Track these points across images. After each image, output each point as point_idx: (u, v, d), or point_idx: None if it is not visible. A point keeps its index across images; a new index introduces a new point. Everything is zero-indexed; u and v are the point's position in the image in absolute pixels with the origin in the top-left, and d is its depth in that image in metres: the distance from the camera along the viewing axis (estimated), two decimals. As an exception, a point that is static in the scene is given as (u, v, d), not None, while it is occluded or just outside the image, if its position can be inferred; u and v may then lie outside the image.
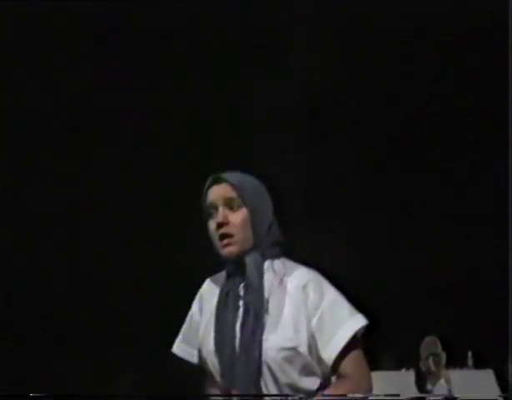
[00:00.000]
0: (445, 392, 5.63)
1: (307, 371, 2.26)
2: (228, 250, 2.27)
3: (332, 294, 2.27)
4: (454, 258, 6.96)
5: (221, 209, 2.29)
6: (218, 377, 2.31)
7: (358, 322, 2.26)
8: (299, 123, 7.81)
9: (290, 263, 2.35)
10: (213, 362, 2.30)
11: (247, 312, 2.26)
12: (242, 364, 2.24)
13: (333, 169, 7.68)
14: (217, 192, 2.30)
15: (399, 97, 7.54)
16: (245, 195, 2.29)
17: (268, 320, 2.26)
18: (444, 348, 5.75)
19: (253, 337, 2.24)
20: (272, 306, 2.27)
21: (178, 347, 2.48)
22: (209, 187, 2.32)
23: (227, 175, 2.32)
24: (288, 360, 2.23)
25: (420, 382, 5.78)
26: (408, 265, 7.72)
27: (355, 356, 2.28)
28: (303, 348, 2.23)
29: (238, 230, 2.27)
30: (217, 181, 2.32)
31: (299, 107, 7.73)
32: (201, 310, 2.42)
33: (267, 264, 2.31)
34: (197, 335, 2.40)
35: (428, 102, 7.52)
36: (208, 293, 2.40)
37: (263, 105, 7.73)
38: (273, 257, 2.33)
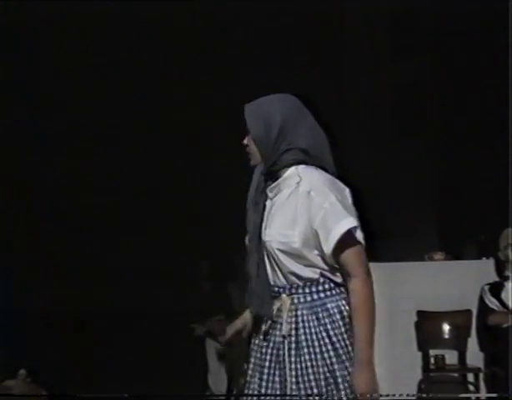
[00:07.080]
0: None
1: (306, 263, 2.71)
2: (251, 162, 2.87)
3: (333, 199, 2.68)
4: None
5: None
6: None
7: (350, 222, 2.68)
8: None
9: (308, 169, 2.75)
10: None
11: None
12: (250, 253, 2.78)
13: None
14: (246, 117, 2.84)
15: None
16: (249, 124, 2.81)
17: (273, 217, 2.74)
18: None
19: (257, 229, 2.76)
20: (287, 205, 2.73)
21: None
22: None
23: (248, 105, 2.84)
24: (283, 252, 2.69)
25: (500, 270, 6.03)
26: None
27: (353, 251, 2.68)
28: (297, 245, 2.68)
29: (250, 149, 2.84)
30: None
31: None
32: None
33: (290, 171, 2.77)
34: None
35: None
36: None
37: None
38: (291, 164, 2.76)
